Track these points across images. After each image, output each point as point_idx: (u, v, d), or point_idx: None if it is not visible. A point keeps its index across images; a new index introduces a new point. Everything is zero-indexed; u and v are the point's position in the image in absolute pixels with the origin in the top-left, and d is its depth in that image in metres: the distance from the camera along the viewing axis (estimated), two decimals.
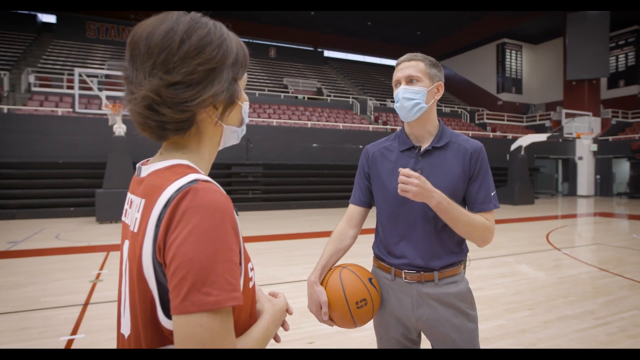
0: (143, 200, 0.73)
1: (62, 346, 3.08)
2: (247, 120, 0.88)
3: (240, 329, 0.76)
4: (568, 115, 17.24)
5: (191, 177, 0.70)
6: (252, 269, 0.81)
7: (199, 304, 0.61)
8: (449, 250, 1.44)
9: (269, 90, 21.42)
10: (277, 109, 19.04)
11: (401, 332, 1.50)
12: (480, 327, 3.46)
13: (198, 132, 0.79)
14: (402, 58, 1.47)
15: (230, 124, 0.83)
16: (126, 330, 0.76)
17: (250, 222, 10.51)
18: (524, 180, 15.63)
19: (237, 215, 0.73)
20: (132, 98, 0.72)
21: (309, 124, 16.94)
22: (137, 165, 0.81)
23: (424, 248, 1.42)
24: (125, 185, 9.73)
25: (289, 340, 3.16)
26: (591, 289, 4.64)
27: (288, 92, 22.01)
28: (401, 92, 1.42)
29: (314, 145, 15.35)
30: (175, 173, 0.72)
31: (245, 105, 0.85)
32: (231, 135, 0.85)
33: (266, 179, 14.14)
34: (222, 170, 13.57)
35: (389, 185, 1.46)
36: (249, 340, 0.74)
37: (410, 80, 1.43)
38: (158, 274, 0.68)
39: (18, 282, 4.85)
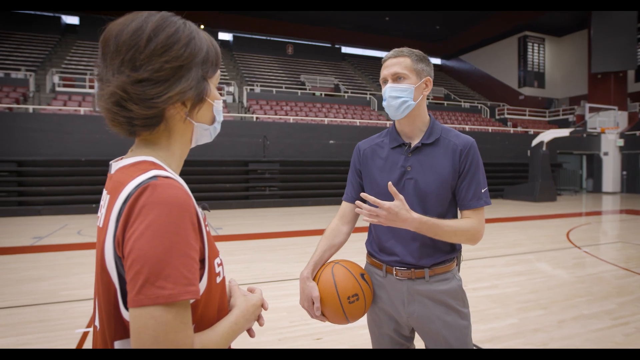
0: (108, 196, 0.76)
1: (77, 338, 3.18)
2: (220, 118, 0.89)
3: (208, 323, 0.77)
4: (592, 110, 16.72)
5: (151, 173, 0.71)
6: (219, 265, 0.82)
7: (153, 297, 0.63)
8: (440, 248, 1.43)
9: (286, 88, 21.48)
10: (294, 105, 19.08)
11: (393, 328, 1.49)
12: (492, 325, 3.43)
13: (167, 129, 0.80)
14: (388, 54, 1.45)
15: (200, 122, 0.84)
16: (98, 322, 0.78)
17: (266, 219, 10.59)
18: (546, 176, 15.26)
19: (207, 211, 0.74)
20: (101, 94, 0.75)
21: (326, 120, 16.92)
22: (110, 162, 0.83)
23: (415, 245, 1.41)
24: None
25: (296, 337, 3.18)
26: (611, 288, 4.51)
27: (305, 89, 22.03)
28: (388, 91, 1.41)
29: (331, 141, 15.34)
30: (138, 169, 0.74)
31: (217, 104, 0.87)
32: (203, 132, 0.87)
33: (283, 175, 14.21)
34: (239, 167, 13.70)
35: (380, 182, 1.45)
36: (213, 335, 0.74)
37: (397, 78, 1.41)
38: (119, 268, 0.70)
39: (40, 275, 5.02)
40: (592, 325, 3.43)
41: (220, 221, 10.00)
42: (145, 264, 0.63)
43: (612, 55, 20.63)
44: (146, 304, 0.63)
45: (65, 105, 14.34)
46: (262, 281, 4.78)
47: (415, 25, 27.75)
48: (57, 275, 5.02)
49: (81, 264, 5.61)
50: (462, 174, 1.41)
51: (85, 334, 3.25)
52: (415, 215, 1.28)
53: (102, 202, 0.81)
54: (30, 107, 13.15)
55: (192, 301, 0.71)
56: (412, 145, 1.45)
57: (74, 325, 3.43)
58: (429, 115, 1.51)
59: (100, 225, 0.75)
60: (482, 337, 3.20)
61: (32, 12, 21.87)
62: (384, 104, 1.44)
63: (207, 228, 0.79)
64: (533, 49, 26.59)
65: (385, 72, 1.44)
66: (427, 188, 1.40)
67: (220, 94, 0.90)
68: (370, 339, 1.61)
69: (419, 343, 1.68)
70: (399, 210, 1.25)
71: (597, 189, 20.92)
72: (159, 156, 0.79)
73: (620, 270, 5.29)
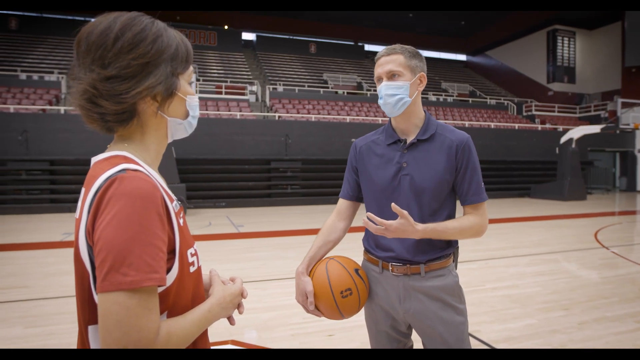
0: (83, 189, 0.80)
1: None
2: (195, 113, 0.92)
3: (181, 311, 0.80)
4: (625, 105, 16.07)
5: (121, 166, 0.75)
6: (193, 254, 0.85)
7: (116, 283, 0.66)
8: (435, 244, 1.43)
9: (308, 86, 21.54)
10: (316, 104, 19.12)
11: (390, 324, 1.50)
12: (508, 325, 3.36)
13: (140, 124, 0.84)
14: (380, 52, 1.45)
15: (173, 116, 0.88)
16: None
17: (287, 217, 10.68)
18: (575, 174, 14.76)
19: (185, 204, 0.77)
20: (74, 92, 0.79)
21: (348, 119, 16.89)
22: (91, 158, 0.87)
23: (410, 241, 1.42)
24: (170, 179, 10.18)
25: (308, 333, 3.21)
26: (638, 290, 4.34)
27: (328, 88, 22.04)
28: (383, 89, 1.42)
29: (353, 140, 15.25)
30: (109, 163, 0.78)
31: (190, 99, 0.90)
32: (177, 127, 0.90)
33: (305, 174, 14.27)
34: (261, 166, 13.84)
35: (376, 179, 1.46)
36: (182, 321, 0.77)
37: (391, 76, 1.42)
38: (91, 256, 0.74)
39: (70, 269, 5.22)
40: (615, 327, 3.32)
41: (242, 219, 10.14)
42: (110, 252, 0.67)
43: None
44: (110, 290, 0.66)
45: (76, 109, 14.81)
46: (276, 278, 4.83)
47: (439, 21, 27.32)
48: None
49: None
50: (460, 170, 1.42)
51: None
52: (420, 226, 1.30)
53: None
54: (62, 109, 13.67)
55: (161, 289, 0.75)
56: (408, 142, 1.46)
57: None
58: (424, 111, 1.51)
59: (77, 217, 0.80)
60: (498, 336, 3.14)
61: (64, 17, 22.71)
62: (380, 102, 1.45)
63: (181, 220, 0.82)
64: (563, 43, 25.72)
65: (379, 70, 1.44)
66: (422, 184, 1.40)
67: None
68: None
69: (417, 340, 1.67)
70: (405, 228, 1.28)
71: (631, 187, 20.09)
72: (133, 150, 0.83)
73: None
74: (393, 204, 1.28)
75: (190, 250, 0.84)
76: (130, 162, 0.78)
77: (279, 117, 16.29)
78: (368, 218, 1.42)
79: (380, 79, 1.45)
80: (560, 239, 7.36)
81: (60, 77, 16.73)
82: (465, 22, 27.75)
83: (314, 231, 8.44)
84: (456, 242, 1.48)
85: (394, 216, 1.42)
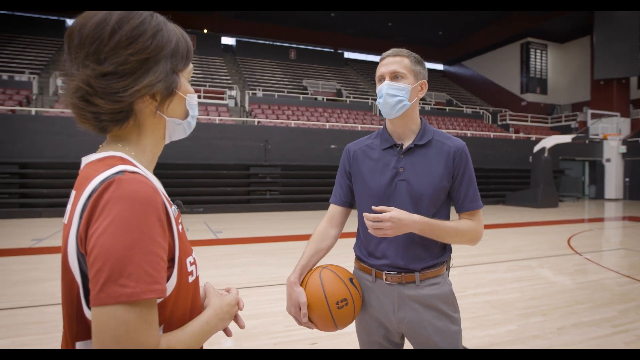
0: (74, 192, 0.74)
1: None
2: (194, 113, 0.87)
3: (178, 324, 0.75)
4: (594, 116, 16.69)
5: (118, 168, 0.70)
6: (192, 263, 0.80)
7: (115, 295, 0.61)
8: (431, 251, 1.41)
9: (288, 92, 21.52)
10: (295, 110, 19.11)
11: (383, 334, 1.46)
12: (490, 331, 3.39)
13: (137, 124, 0.78)
14: (386, 53, 1.44)
15: (172, 116, 0.82)
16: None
17: (267, 223, 10.57)
18: (548, 182, 15.20)
19: (182, 209, 0.72)
20: (66, 89, 0.73)
21: (328, 125, 16.93)
22: (82, 158, 0.82)
23: (405, 249, 1.39)
24: None
25: (291, 341, 3.15)
26: (612, 295, 4.46)
27: (307, 94, 22.07)
28: (385, 88, 1.39)
29: (333, 146, 15.33)
30: (104, 164, 0.72)
31: (190, 98, 0.84)
32: (176, 128, 0.84)
33: (284, 180, 14.21)
34: (240, 171, 13.71)
35: (371, 184, 1.43)
36: (181, 335, 0.72)
37: (395, 76, 1.40)
38: (82, 265, 0.67)
39: (39, 277, 5.01)
40: (593, 332, 3.40)
41: (220, 225, 9.99)
42: (108, 261, 0.61)
43: (615, 61, 20.62)
44: (108, 303, 0.60)
45: (68, 107, 14.38)
46: (258, 285, 4.76)
47: (418, 30, 27.82)
48: (56, 278, 5.01)
49: None
50: (457, 177, 1.40)
51: None
52: (416, 216, 1.28)
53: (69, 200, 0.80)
54: (33, 110, 13.21)
55: (159, 300, 0.69)
56: (405, 147, 1.44)
57: None
58: (421, 118, 1.49)
59: (65, 222, 0.73)
60: (480, 343, 3.17)
61: (37, 15, 22.05)
62: (380, 101, 1.42)
63: (180, 226, 0.77)
64: (536, 55, 26.61)
65: (383, 69, 1.42)
66: (420, 189, 1.37)
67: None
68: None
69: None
70: (400, 216, 1.24)
71: (599, 195, 20.83)
72: (128, 152, 0.77)
73: (622, 277, 5.24)
74: (372, 207, 1.27)
75: (189, 259, 0.79)
76: (127, 164, 0.72)
77: (259, 122, 16.20)
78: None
79: (382, 79, 1.43)
80: (536, 246, 7.53)
81: (32, 77, 16.20)
82: (443, 33, 28.36)
83: (295, 237, 8.39)
84: (450, 248, 1.47)
85: None
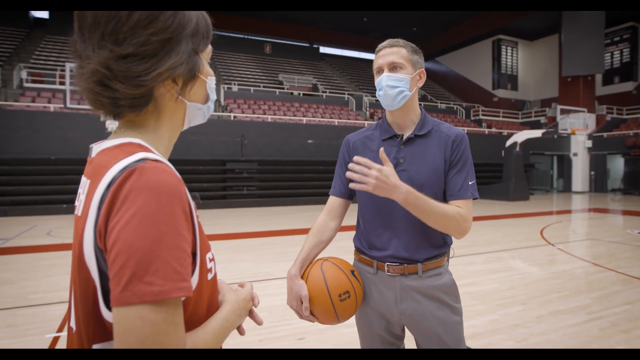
0: (88, 181, 0.67)
1: (48, 343, 3.03)
2: (213, 97, 0.82)
3: (197, 323, 0.70)
4: (563, 112, 17.26)
5: (139, 155, 0.64)
6: (211, 260, 0.75)
7: (140, 294, 0.55)
8: (433, 241, 1.40)
9: (264, 87, 21.31)
10: (272, 105, 18.95)
11: (384, 327, 1.45)
12: (473, 322, 3.45)
13: (156, 110, 0.73)
14: (383, 44, 1.41)
15: (193, 101, 0.77)
16: (74, 323, 0.71)
17: (244, 219, 10.45)
18: (519, 176, 15.64)
19: (199, 202, 0.67)
20: (81, 73, 0.66)
21: (304, 120, 16.86)
22: (90, 145, 0.75)
23: (408, 239, 1.38)
24: None
25: (277, 337, 3.12)
26: (584, 284, 4.63)
27: (283, 89, 21.91)
28: (384, 80, 1.37)
29: (310, 141, 15.29)
30: (123, 151, 0.66)
31: (210, 80, 0.79)
32: (196, 113, 0.79)
33: (261, 175, 14.08)
34: (216, 167, 13.50)
35: None
36: (204, 334, 0.68)
37: (393, 67, 1.38)
38: (100, 262, 0.61)
39: (8, 278, 4.78)
40: (569, 320, 3.50)
41: None
42: (132, 257, 0.56)
43: (581, 59, 21.34)
44: (133, 302, 0.55)
45: (33, 101, 13.79)
46: (238, 281, 4.69)
47: (392, 26, 28.01)
48: (25, 278, 4.80)
49: (51, 266, 5.39)
50: (452, 163, 1.39)
51: (55, 339, 3.10)
52: (404, 186, 1.21)
53: (80, 189, 0.72)
54: None
55: (183, 299, 0.64)
56: (405, 137, 1.42)
57: (44, 330, 3.27)
58: (420, 108, 1.48)
59: (79, 214, 0.67)
60: (465, 333, 3.21)
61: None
62: (380, 93, 1.39)
63: (198, 219, 0.73)
64: (507, 52, 27.28)
65: (380, 60, 1.40)
66: (420, 179, 1.36)
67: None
68: (357, 338, 1.57)
69: (409, 342, 1.65)
70: (390, 173, 1.19)
71: (567, 188, 21.60)
72: (145, 139, 0.72)
73: (591, 266, 5.44)
74: (381, 149, 1.22)
75: (209, 255, 0.73)
76: (147, 151, 0.66)
77: (234, 117, 15.98)
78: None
79: (380, 70, 1.40)
80: (510, 237, 7.73)
81: None
82: (417, 29, 28.65)
83: (273, 233, 8.33)
84: (451, 239, 1.46)
85: (390, 214, 1.39)
